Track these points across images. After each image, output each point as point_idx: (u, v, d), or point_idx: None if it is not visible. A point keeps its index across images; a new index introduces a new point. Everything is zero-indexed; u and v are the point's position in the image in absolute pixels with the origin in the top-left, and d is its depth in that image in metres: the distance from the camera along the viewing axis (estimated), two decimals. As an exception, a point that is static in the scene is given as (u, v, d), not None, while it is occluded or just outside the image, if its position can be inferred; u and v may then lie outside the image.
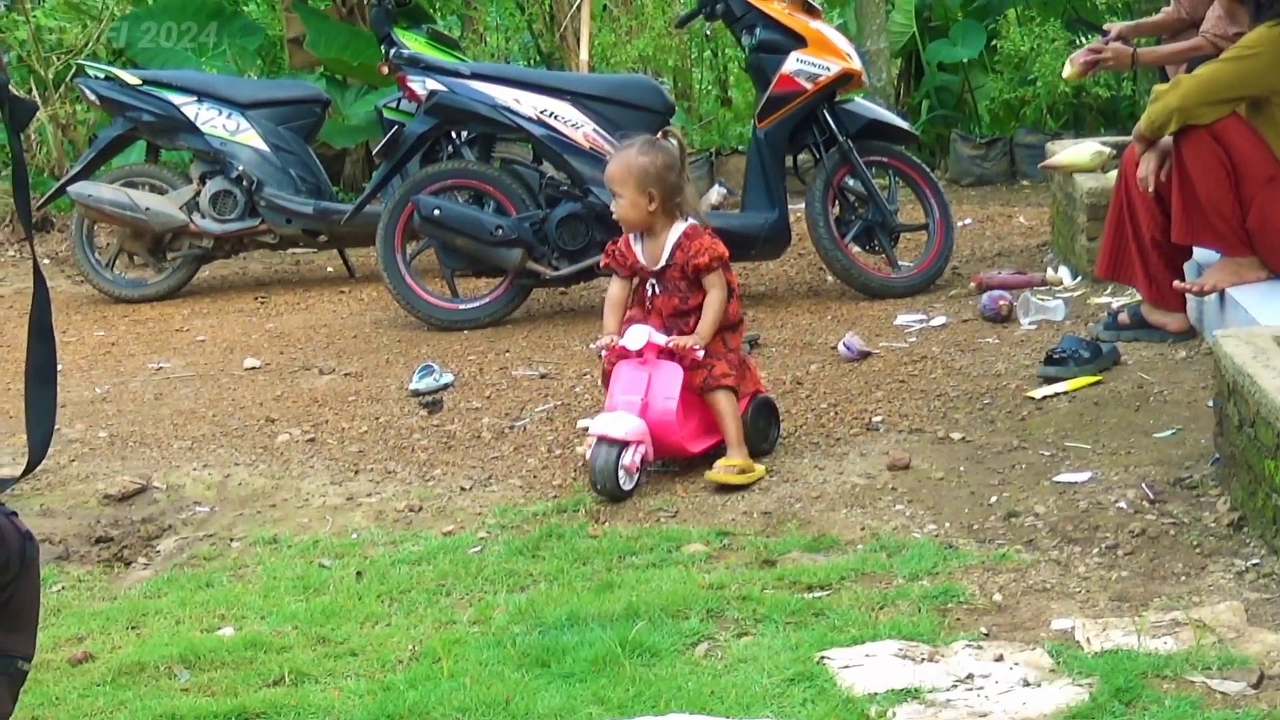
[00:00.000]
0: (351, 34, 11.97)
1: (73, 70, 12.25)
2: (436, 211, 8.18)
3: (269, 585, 5.14)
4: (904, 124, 8.73)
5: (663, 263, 5.80)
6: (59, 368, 8.14)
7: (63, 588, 5.37)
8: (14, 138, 2.94)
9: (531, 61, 13.60)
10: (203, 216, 9.69)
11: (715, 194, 10.98)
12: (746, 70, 9.52)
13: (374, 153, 9.51)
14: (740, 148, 11.98)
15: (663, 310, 5.85)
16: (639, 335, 5.74)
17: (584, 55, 11.41)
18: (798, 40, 8.22)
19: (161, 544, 5.78)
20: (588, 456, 5.70)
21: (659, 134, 5.95)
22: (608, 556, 5.11)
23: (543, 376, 7.24)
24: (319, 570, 5.25)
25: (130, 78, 9.84)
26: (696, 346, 5.72)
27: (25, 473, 2.95)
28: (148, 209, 9.60)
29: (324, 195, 9.89)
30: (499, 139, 8.83)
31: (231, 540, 5.68)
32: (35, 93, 12.86)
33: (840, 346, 7.16)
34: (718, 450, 5.79)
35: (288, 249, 10.36)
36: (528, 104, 8.28)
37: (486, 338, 8.10)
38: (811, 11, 8.36)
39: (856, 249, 8.44)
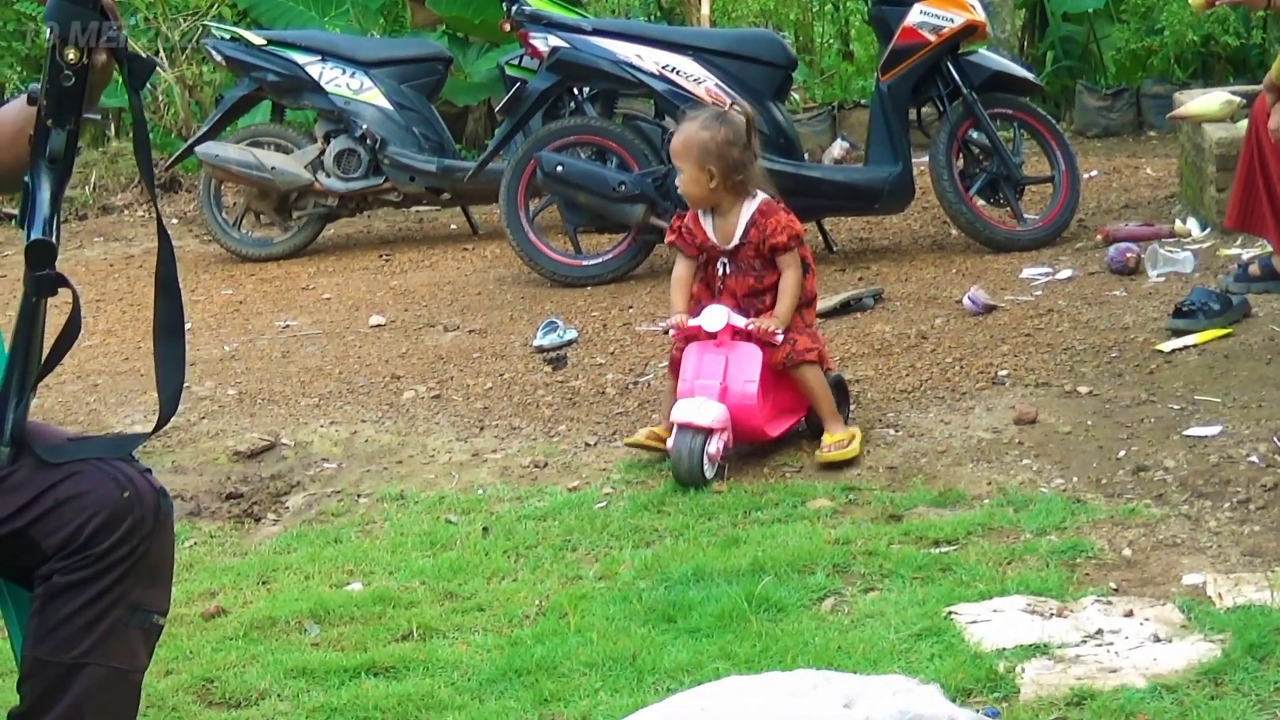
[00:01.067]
0: (473, -9, 11.98)
1: (199, 31, 12.35)
2: (559, 168, 8.18)
3: (396, 541, 5.17)
4: (1029, 75, 8.63)
5: (736, 241, 5.59)
6: (188, 325, 8.25)
7: (195, 543, 5.43)
8: (134, 95, 2.95)
9: (652, 17, 13.56)
10: (327, 175, 9.75)
11: (838, 148, 10.94)
12: (869, 23, 9.46)
13: (496, 110, 9.52)
14: (863, 101, 11.89)
15: (736, 291, 5.66)
16: (717, 316, 5.54)
17: (705, 10, 11.37)
18: (921, -9, 8.15)
19: (290, 500, 5.83)
20: (669, 445, 5.47)
21: (729, 106, 5.77)
22: (733, 512, 5.10)
23: (666, 332, 7.22)
24: (445, 526, 5.28)
25: (255, 38, 9.90)
26: (776, 329, 5.53)
27: (156, 428, 2.95)
28: (273, 168, 9.67)
29: (447, 153, 9.91)
30: (621, 95, 8.83)
31: (359, 496, 5.73)
32: (162, 54, 12.97)
33: (965, 300, 7.11)
34: (794, 432, 5.71)
35: (411, 207, 10.40)
36: (649, 59, 8.25)
37: (610, 293, 8.10)
38: (935, -38, 8.28)
39: (981, 202, 8.36)
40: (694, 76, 8.21)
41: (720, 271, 5.67)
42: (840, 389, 5.80)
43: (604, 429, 6.06)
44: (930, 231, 8.99)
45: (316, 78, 9.74)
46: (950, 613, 4.14)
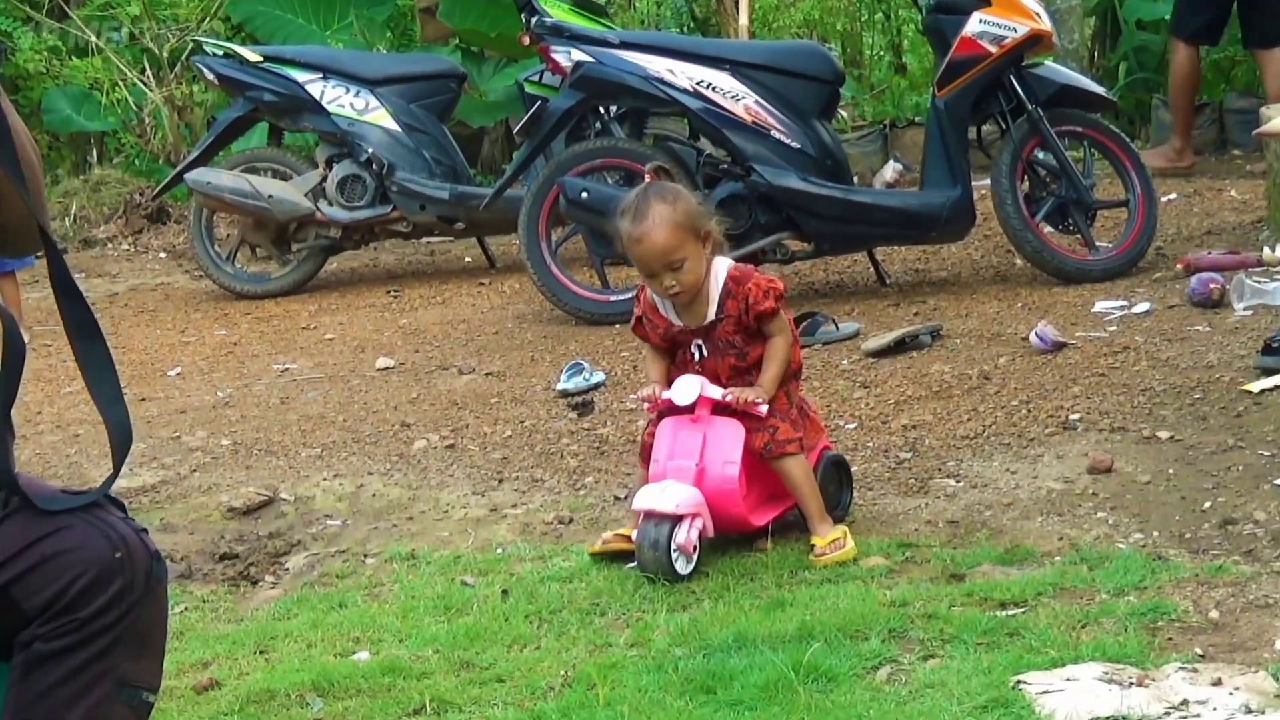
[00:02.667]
0: (489, 2, 12.04)
1: (189, 48, 12.42)
2: (584, 194, 8.19)
3: (407, 605, 5.17)
4: (1100, 89, 8.65)
5: (711, 317, 5.27)
6: (178, 370, 8.28)
7: (186, 608, 5.44)
8: None
9: (686, 28, 13.62)
10: (330, 204, 9.79)
11: (891, 171, 10.94)
12: (923, 33, 9.47)
13: (515, 131, 9.57)
14: (917, 119, 11.92)
15: (718, 373, 5.31)
16: (689, 388, 5.23)
17: (743, 20, 11.39)
18: (980, -1, 8.17)
19: (290, 561, 5.84)
20: (634, 536, 5.20)
21: (649, 173, 5.47)
22: (777, 572, 5.10)
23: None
24: (461, 589, 5.28)
25: (251, 54, 9.96)
26: (760, 400, 5.21)
27: (117, 446, 2.94)
28: (270, 197, 9.71)
29: (461, 179, 9.96)
30: (651, 114, 8.86)
31: (366, 556, 5.73)
32: (149, 73, 13.05)
33: (1032, 337, 7.10)
34: (781, 522, 5.40)
35: (422, 238, 10.44)
36: (683, 75, 8.28)
37: (640, 332, 8.10)
38: (995, -33, 8.30)
39: (1049, 229, 8.36)
40: (731, 93, 8.23)
41: (696, 356, 5.35)
42: (839, 471, 5.54)
43: (635, 481, 6.04)
44: (993, 262, 8.99)
45: (318, 97, 9.79)
46: (1019, 682, 4.12)
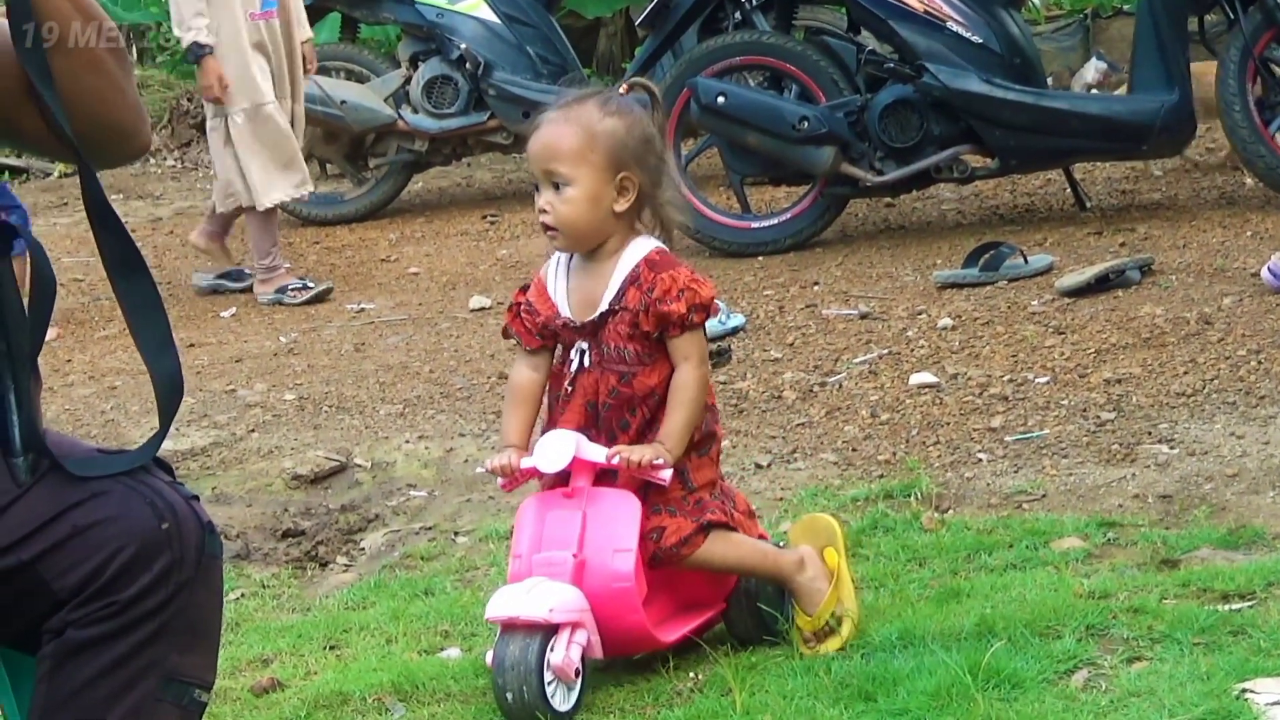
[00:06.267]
0: None
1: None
2: (721, 99, 8.19)
3: (506, 593, 5.21)
4: (1354, -32, 8.56)
5: (605, 306, 4.49)
6: (231, 312, 8.34)
7: (242, 595, 5.49)
8: None
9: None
10: (415, 111, 9.83)
11: (1093, 70, 10.90)
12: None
13: (636, 23, 9.57)
14: (1126, 8, 11.84)
15: (593, 392, 4.53)
16: (559, 447, 4.44)
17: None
18: None
19: (366, 539, 5.88)
20: (487, 660, 4.42)
21: (624, 87, 4.87)
22: (952, 556, 5.09)
23: (863, 317, 7.23)
24: (571, 573, 5.31)
25: (319, -71, 10.01)
26: (663, 460, 4.40)
27: (163, 409, 2.93)
28: (344, 103, 9.75)
29: (572, 80, 9.96)
30: (802, 1, 8.83)
31: (456, 534, 5.77)
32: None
33: (1264, 273, 7.06)
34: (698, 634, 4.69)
35: (525, 152, 10.46)
36: (840, -47, 8.27)
37: (788, 265, 8.11)
38: None
39: (1286, 141, 8.31)
40: (899, -25, 8.20)
41: (573, 364, 4.56)
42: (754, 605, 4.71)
43: (781, 445, 6.07)
44: (1216, 181, 8.93)
45: (400, -19, 9.82)
46: (1244, 690, 4.11)
